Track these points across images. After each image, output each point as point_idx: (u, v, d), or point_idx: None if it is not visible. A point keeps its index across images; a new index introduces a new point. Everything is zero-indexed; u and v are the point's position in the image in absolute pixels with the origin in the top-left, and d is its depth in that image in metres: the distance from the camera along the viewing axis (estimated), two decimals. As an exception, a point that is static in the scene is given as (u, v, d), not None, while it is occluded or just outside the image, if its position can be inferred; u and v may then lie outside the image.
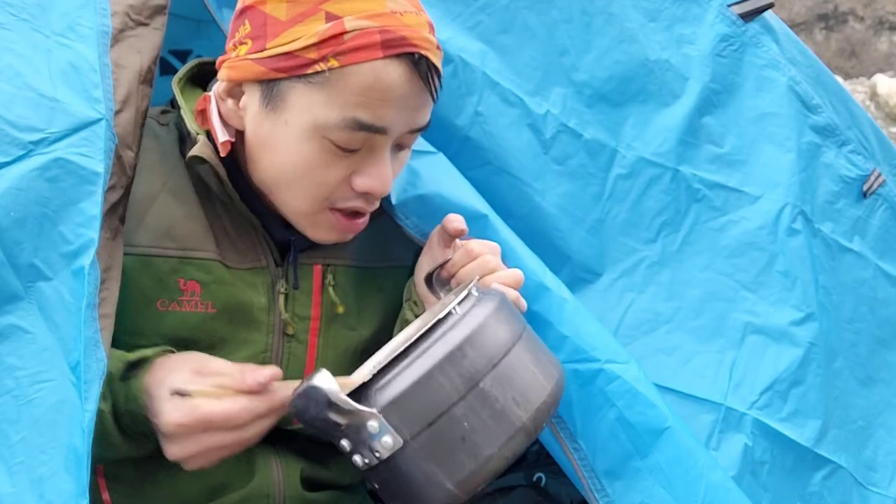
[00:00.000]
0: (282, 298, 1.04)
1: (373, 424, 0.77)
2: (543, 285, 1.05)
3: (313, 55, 0.88)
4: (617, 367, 1.02)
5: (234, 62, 0.94)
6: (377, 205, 1.00)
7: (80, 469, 0.76)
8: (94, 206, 0.85)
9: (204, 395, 0.84)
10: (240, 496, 1.05)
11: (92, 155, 0.86)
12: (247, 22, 0.93)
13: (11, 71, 0.89)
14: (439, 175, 1.09)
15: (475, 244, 1.00)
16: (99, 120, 0.88)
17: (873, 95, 4.80)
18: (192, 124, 1.01)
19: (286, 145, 0.93)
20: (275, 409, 0.84)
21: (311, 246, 1.06)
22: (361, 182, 0.94)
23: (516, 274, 0.99)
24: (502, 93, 1.15)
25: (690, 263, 1.20)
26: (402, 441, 0.77)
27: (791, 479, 1.15)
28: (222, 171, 0.99)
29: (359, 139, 0.91)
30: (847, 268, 1.31)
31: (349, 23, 0.87)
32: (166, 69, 1.48)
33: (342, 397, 0.76)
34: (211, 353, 0.99)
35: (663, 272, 1.19)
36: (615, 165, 1.20)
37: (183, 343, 0.98)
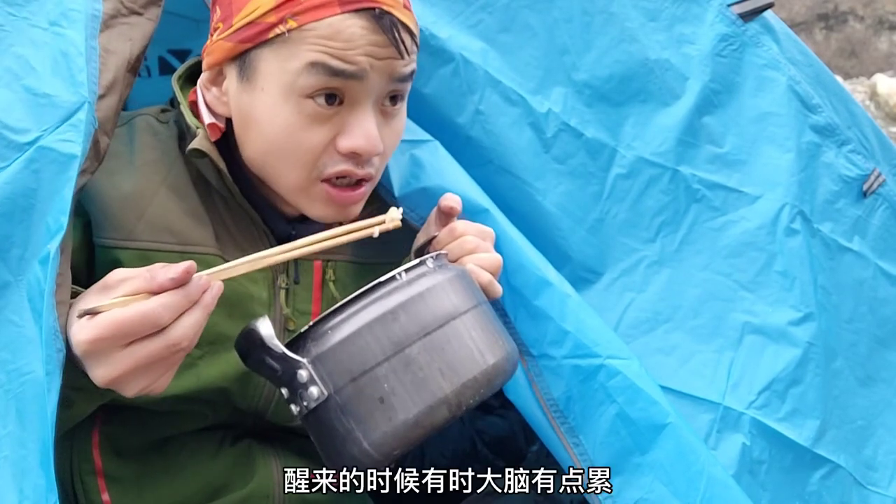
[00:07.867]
0: (282, 293, 1.04)
1: (302, 374, 0.79)
2: (546, 280, 1.05)
3: (272, 19, 0.89)
4: (618, 363, 1.02)
5: (210, 47, 0.96)
6: (370, 171, 0.97)
7: (49, 463, 0.75)
8: (69, 190, 0.84)
9: (113, 307, 0.75)
10: (240, 496, 1.05)
11: (73, 139, 0.86)
12: (217, 8, 0.94)
13: (10, 75, 0.89)
14: (443, 167, 1.09)
15: (460, 224, 0.99)
16: (82, 104, 0.87)
17: (873, 95, 4.79)
18: (191, 118, 1.02)
19: (265, 113, 0.93)
20: (194, 298, 0.76)
21: (312, 240, 1.06)
22: (345, 142, 0.93)
23: (495, 258, 0.98)
24: (504, 91, 1.15)
25: (689, 263, 1.21)
26: (326, 394, 0.79)
27: (790, 478, 1.15)
28: (222, 164, 0.99)
29: (334, 86, 0.90)
30: (846, 267, 1.31)
31: None
32: (166, 68, 1.48)
33: (275, 342, 0.79)
34: (210, 350, 1.00)
35: (662, 272, 1.20)
36: (615, 165, 1.20)
37: None
